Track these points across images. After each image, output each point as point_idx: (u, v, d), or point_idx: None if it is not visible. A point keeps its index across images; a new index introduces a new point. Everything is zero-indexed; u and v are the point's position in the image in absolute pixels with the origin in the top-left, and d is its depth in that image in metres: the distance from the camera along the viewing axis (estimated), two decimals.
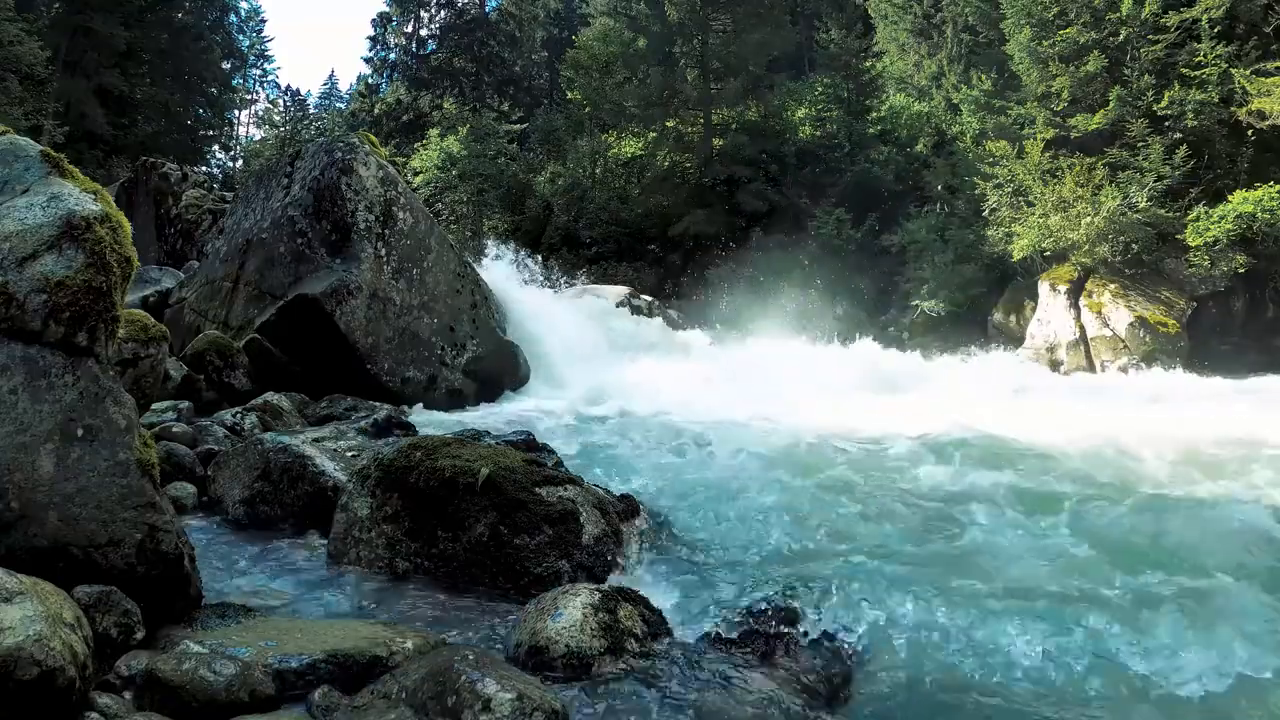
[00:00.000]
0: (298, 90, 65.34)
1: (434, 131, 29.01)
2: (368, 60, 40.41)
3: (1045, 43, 18.07)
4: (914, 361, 14.34)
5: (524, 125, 31.61)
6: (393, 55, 39.46)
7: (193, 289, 9.38)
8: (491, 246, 15.01)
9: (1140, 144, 16.74)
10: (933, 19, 24.31)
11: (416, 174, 27.04)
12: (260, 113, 50.33)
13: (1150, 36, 17.15)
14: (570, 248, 24.62)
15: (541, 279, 14.16)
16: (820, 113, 24.85)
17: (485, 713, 1.89)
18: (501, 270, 12.61)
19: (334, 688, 2.15)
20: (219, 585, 2.93)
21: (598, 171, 26.07)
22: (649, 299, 15.23)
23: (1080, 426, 6.74)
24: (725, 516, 4.27)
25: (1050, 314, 16.29)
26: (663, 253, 23.41)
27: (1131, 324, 15.15)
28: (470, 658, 2.07)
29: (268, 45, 49.46)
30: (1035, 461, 5.49)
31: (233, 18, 40.31)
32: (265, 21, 51.98)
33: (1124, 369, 14.64)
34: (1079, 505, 4.24)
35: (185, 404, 5.86)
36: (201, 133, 36.63)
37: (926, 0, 24.39)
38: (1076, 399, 10.10)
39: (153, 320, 5.77)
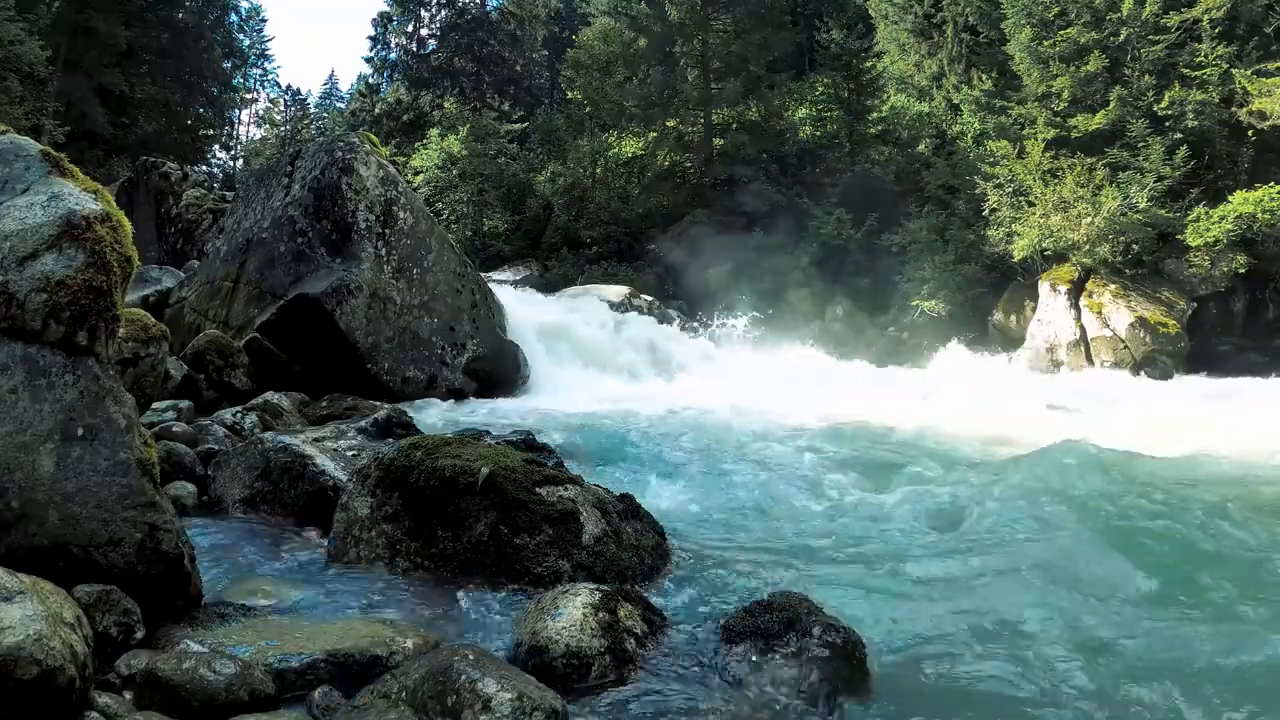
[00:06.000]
0: (298, 90, 65.48)
1: (434, 131, 28.99)
2: (368, 60, 40.44)
3: (1046, 43, 18.06)
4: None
5: (524, 125, 31.59)
6: (393, 55, 39.44)
7: (193, 288, 9.38)
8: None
9: (1141, 144, 16.73)
10: (933, 19, 24.28)
11: (417, 173, 27.03)
12: (261, 112, 50.44)
13: (1151, 37, 17.15)
14: (570, 247, 24.60)
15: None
16: (821, 113, 24.83)
17: (485, 712, 1.89)
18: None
19: (334, 687, 2.15)
20: (219, 585, 2.93)
21: (598, 171, 26.06)
22: (649, 299, 15.24)
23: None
24: (726, 515, 4.27)
25: (1050, 314, 16.28)
26: (662, 253, 23.39)
27: (1132, 324, 15.14)
28: (470, 657, 2.07)
29: (268, 45, 49.51)
30: (1025, 461, 5.50)
31: (233, 17, 40.33)
32: (265, 21, 51.95)
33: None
34: (1096, 506, 4.24)
35: (185, 403, 5.85)
36: (202, 132, 36.60)
37: (927, 0, 24.36)
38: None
39: (153, 320, 5.78)
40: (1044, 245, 16.61)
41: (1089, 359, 15.39)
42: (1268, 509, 4.19)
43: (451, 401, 8.26)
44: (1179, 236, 15.97)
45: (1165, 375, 14.19)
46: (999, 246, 17.56)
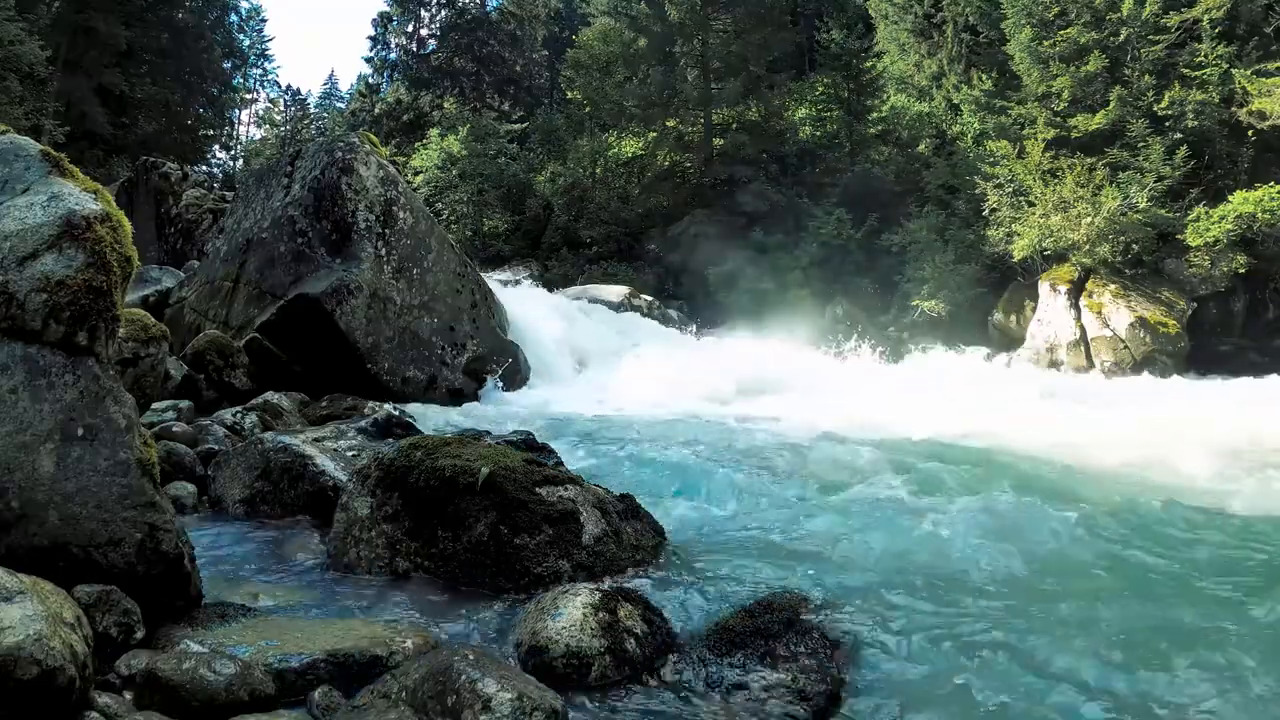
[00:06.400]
0: (298, 90, 65.44)
1: (434, 131, 28.99)
2: (368, 60, 40.43)
3: (1046, 43, 18.07)
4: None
5: (524, 125, 31.59)
6: (393, 55, 39.43)
7: (193, 288, 9.38)
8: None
9: (1141, 144, 16.74)
10: (933, 19, 24.29)
11: (417, 174, 27.02)
12: (260, 112, 50.44)
13: (1151, 37, 17.15)
14: (570, 247, 24.60)
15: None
16: (820, 113, 24.84)
17: (485, 712, 1.89)
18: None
19: (334, 687, 2.15)
20: (219, 585, 2.93)
21: (598, 171, 26.06)
22: (649, 299, 15.24)
23: None
24: (727, 516, 4.27)
25: (1050, 314, 16.28)
26: (663, 253, 23.39)
27: (1132, 324, 15.14)
28: (470, 657, 2.07)
29: (268, 45, 49.49)
30: (1042, 465, 5.50)
31: (233, 17, 40.31)
32: (265, 21, 51.95)
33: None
34: (1082, 512, 4.24)
35: (185, 403, 5.86)
36: (202, 132, 36.58)
37: (927, 0, 24.36)
38: None
39: (153, 320, 5.78)
40: (1044, 245, 16.61)
41: (1089, 359, 15.39)
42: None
43: (452, 401, 8.26)
44: (1179, 236, 15.97)
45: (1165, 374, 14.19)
46: (999, 246, 17.57)
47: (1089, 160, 16.92)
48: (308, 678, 2.17)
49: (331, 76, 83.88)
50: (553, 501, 3.20)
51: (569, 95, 28.77)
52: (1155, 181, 16.10)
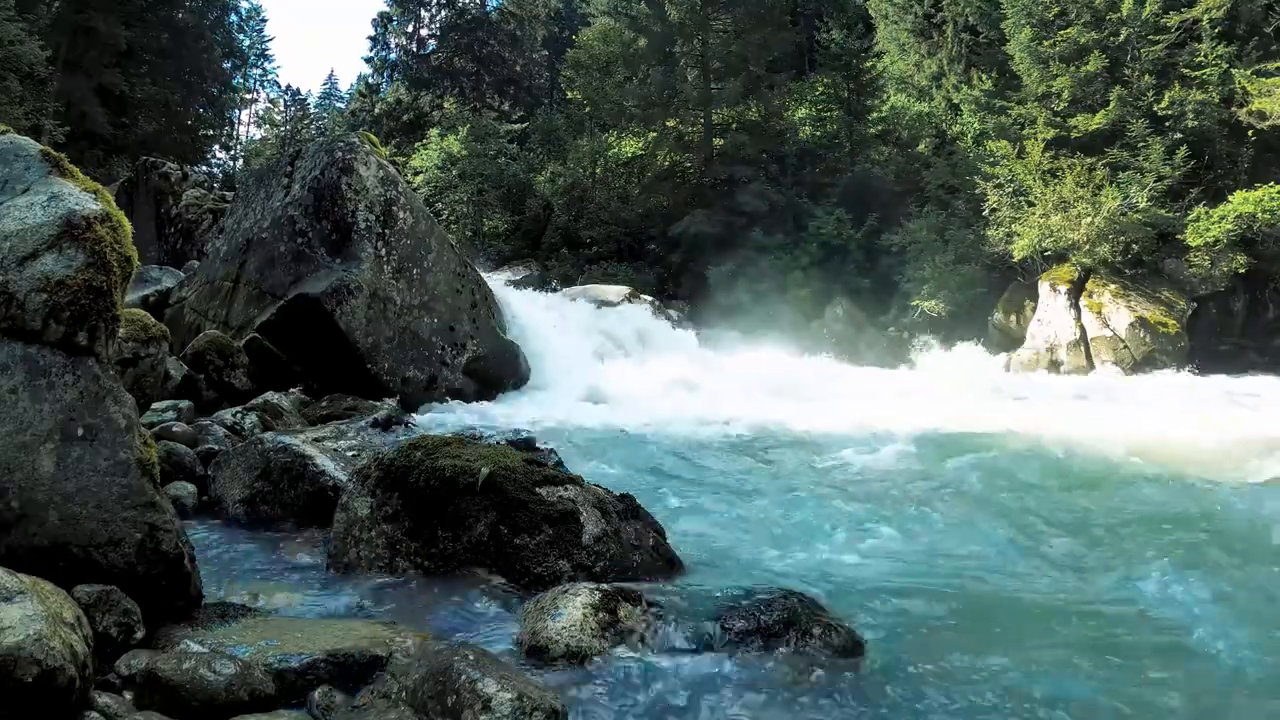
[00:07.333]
0: (298, 90, 65.36)
1: (434, 131, 28.97)
2: (368, 60, 40.38)
3: (1046, 43, 18.08)
4: None
5: (524, 125, 31.57)
6: (393, 55, 39.39)
7: (193, 289, 9.38)
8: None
9: (1141, 144, 16.74)
10: (933, 19, 24.29)
11: (417, 174, 27.00)
12: (260, 112, 50.40)
13: (1151, 37, 17.16)
14: (570, 247, 24.59)
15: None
16: (820, 113, 24.83)
17: (485, 712, 1.89)
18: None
19: (334, 687, 2.15)
20: (219, 585, 2.93)
21: (598, 171, 26.05)
22: (649, 299, 15.21)
23: None
24: (725, 515, 4.27)
25: (1050, 314, 16.28)
26: (663, 253, 23.38)
27: (1132, 324, 15.14)
28: (470, 657, 2.07)
29: (268, 45, 49.42)
30: (1026, 460, 5.50)
31: (233, 17, 40.25)
32: (265, 21, 51.83)
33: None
34: (1076, 503, 4.24)
35: (185, 403, 5.85)
36: (202, 132, 36.54)
37: (927, 0, 24.36)
38: None
39: (153, 320, 5.79)
40: (1044, 245, 16.61)
41: (1089, 359, 15.39)
42: None
43: (451, 401, 8.26)
44: (1179, 236, 15.98)
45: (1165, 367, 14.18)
46: (999, 246, 17.57)
47: (1089, 160, 16.93)
48: (308, 678, 2.16)
49: (331, 76, 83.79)
50: (553, 501, 3.20)
51: (569, 95, 28.76)
52: (1155, 181, 16.10)
